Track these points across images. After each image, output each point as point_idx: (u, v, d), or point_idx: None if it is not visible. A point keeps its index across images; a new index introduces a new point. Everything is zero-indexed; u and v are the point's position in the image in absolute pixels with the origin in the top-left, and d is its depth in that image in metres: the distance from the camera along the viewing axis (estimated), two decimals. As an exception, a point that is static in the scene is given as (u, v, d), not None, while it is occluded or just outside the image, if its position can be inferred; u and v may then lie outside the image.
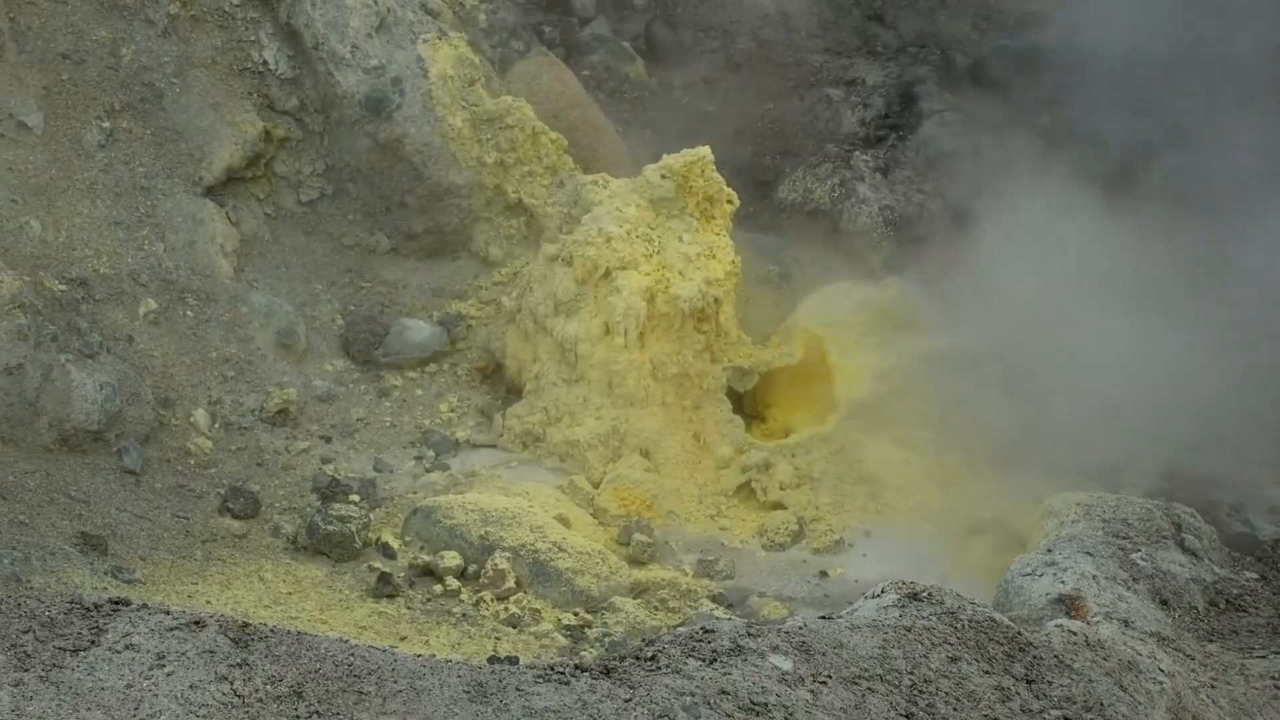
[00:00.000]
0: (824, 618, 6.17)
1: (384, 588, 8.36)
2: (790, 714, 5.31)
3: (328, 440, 9.79)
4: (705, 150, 10.38)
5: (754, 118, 11.92)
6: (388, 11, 10.93)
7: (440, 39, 11.13)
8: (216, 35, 10.59)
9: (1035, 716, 5.66)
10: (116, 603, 5.30)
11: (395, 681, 5.11)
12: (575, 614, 8.34)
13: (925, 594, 6.24)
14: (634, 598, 8.53)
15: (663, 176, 10.31)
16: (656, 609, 8.46)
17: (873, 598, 6.32)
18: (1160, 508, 8.68)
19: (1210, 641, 7.53)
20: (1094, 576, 7.73)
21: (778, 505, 9.59)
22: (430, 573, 8.59)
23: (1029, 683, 5.85)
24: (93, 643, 5.02)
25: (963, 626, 6.06)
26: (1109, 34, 12.19)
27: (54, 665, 4.88)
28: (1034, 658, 6.03)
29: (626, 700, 5.22)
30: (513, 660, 6.90)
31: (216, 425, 9.51)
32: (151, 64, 10.28)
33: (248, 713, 4.80)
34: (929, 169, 11.74)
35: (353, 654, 5.22)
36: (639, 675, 5.41)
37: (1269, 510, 9.17)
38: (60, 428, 8.63)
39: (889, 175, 11.71)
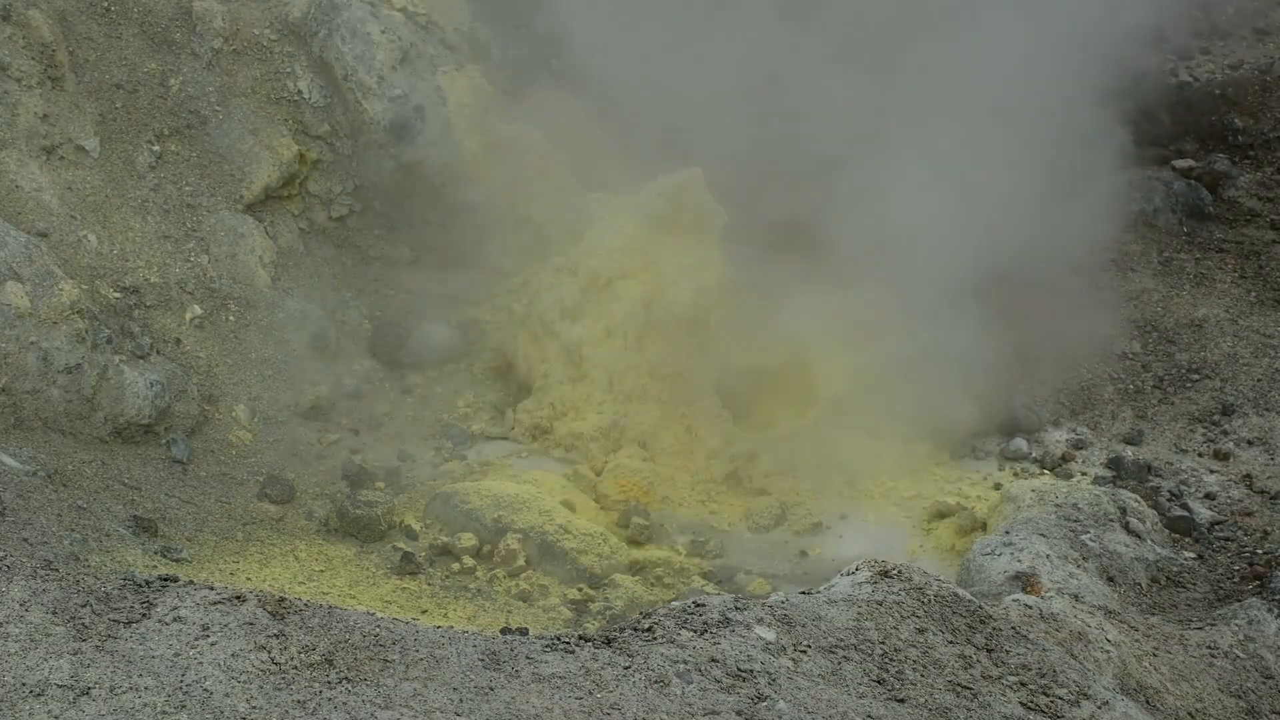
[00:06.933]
0: (804, 593, 6.17)
1: (407, 566, 8.36)
2: (773, 680, 5.31)
3: (356, 433, 9.78)
4: (697, 171, 10.39)
5: (740, 141, 11.89)
6: (410, 46, 10.93)
7: (458, 71, 11.13)
8: (256, 68, 10.59)
9: (994, 682, 5.66)
10: (165, 579, 5.30)
11: (417, 650, 5.11)
12: (579, 589, 8.34)
13: (895, 571, 6.25)
14: (632, 575, 8.53)
15: (659, 195, 10.32)
16: (653, 585, 8.46)
17: (848, 575, 6.32)
18: (1107, 494, 8.69)
19: (1152, 614, 7.54)
20: (1047, 556, 7.74)
21: (762, 491, 9.59)
22: (449, 552, 8.59)
23: (989, 651, 5.86)
24: (144, 615, 5.02)
25: (929, 601, 6.06)
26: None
27: (109, 635, 4.88)
28: (993, 629, 6.03)
29: (626, 667, 5.22)
30: (523, 631, 6.89)
31: (256, 419, 9.50)
32: (197, 93, 10.28)
33: (284, 679, 4.81)
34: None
35: (379, 626, 5.22)
36: (637, 645, 5.41)
37: (1205, 496, 9.18)
38: (115, 422, 8.62)
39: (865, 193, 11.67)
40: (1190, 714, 6.42)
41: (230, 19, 10.53)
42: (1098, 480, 9.30)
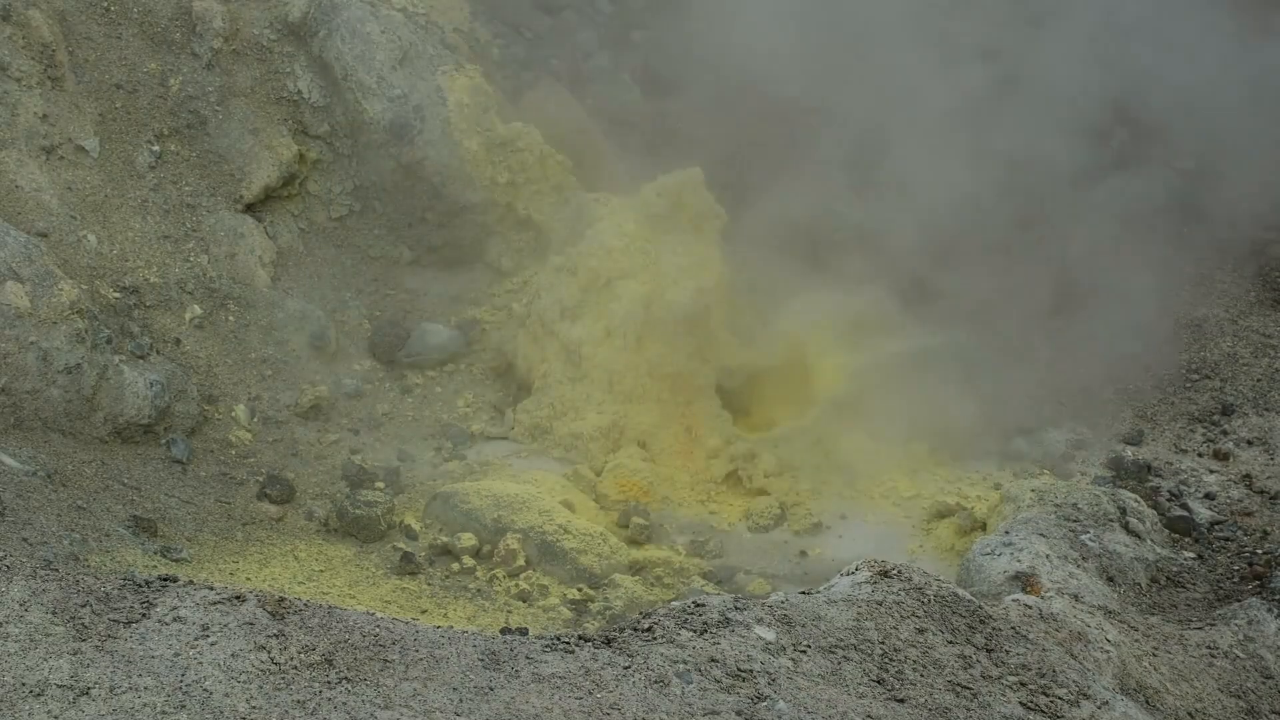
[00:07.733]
0: (804, 593, 6.17)
1: (406, 566, 8.36)
2: (773, 680, 5.31)
3: (356, 433, 9.78)
4: (696, 171, 10.39)
5: (740, 141, 11.90)
6: (410, 46, 10.93)
7: (457, 71, 11.13)
8: (255, 67, 10.59)
9: (994, 682, 5.66)
10: (165, 579, 5.31)
11: (417, 650, 5.11)
12: (579, 589, 8.34)
13: (895, 571, 6.25)
14: (632, 575, 8.53)
15: (658, 195, 10.32)
16: (653, 585, 8.46)
17: (848, 575, 6.32)
18: (1107, 494, 8.69)
19: (1152, 614, 7.54)
20: (1047, 556, 7.74)
21: (762, 491, 9.59)
22: (448, 552, 8.59)
23: (988, 651, 5.86)
24: (144, 615, 5.02)
25: (929, 601, 6.06)
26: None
27: (109, 636, 4.89)
28: (993, 629, 6.04)
29: (625, 667, 5.22)
30: (523, 631, 6.89)
31: (255, 419, 9.50)
32: (197, 93, 10.28)
33: (284, 679, 4.81)
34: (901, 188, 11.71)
35: (378, 626, 5.23)
36: (637, 645, 5.41)
37: (1205, 496, 9.18)
38: (114, 422, 8.63)
39: (863, 193, 11.68)
40: (1190, 714, 6.42)
41: (230, 19, 10.53)
42: (1097, 480, 9.30)
